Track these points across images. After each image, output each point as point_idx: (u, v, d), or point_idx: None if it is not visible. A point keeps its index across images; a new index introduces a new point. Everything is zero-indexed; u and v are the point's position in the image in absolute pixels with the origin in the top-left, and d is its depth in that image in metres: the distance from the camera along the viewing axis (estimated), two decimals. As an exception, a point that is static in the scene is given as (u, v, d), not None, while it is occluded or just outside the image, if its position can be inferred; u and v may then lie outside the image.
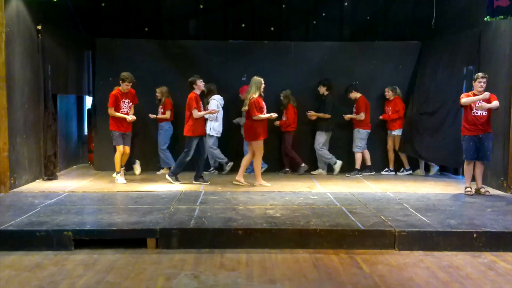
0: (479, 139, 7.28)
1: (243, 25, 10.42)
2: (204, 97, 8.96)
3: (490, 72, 7.74)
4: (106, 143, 9.28)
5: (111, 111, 8.29)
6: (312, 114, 9.43)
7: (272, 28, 10.46)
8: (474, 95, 7.33)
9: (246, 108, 8.02)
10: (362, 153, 9.49)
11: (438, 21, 9.34)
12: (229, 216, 5.91)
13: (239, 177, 8.18)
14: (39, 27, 8.37)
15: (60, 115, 9.58)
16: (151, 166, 9.55)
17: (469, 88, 8.08)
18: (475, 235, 5.31)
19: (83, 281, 4.37)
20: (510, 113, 7.56)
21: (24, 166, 8.02)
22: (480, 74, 7.39)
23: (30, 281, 4.37)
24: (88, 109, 10.85)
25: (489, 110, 7.26)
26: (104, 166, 9.48)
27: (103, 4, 10.16)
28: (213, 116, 8.93)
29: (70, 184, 8.24)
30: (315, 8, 10.46)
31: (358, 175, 9.34)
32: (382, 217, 5.89)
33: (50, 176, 8.58)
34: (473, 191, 7.50)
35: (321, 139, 9.45)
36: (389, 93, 9.57)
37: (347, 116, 9.43)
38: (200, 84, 8.23)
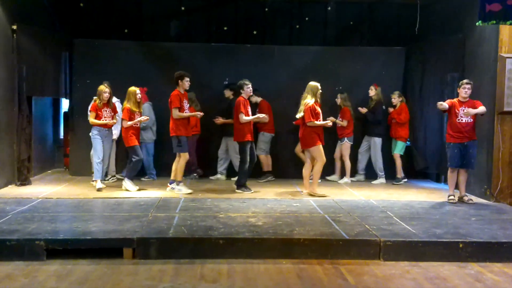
0: (464, 146, 7.22)
1: (225, 27, 10.26)
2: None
3: (475, 78, 7.71)
4: (82, 147, 9.01)
5: (179, 112, 7.72)
6: (220, 121, 9.03)
7: (255, 32, 10.32)
8: (459, 101, 7.28)
9: (302, 114, 7.68)
10: (262, 157, 9.18)
11: (422, 26, 9.30)
12: (210, 224, 5.72)
13: (308, 188, 7.81)
14: (14, 27, 8.12)
15: (35, 117, 9.28)
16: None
17: (453, 94, 8.04)
18: (461, 245, 5.21)
19: (55, 294, 4.15)
20: (494, 120, 7.54)
21: (-4, 170, 7.71)
22: (464, 80, 7.35)
23: (-2, 294, 4.13)
24: (65, 112, 10.56)
25: (474, 117, 7.21)
26: (80, 171, 9.20)
27: (81, 4, 9.87)
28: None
29: (44, 189, 7.95)
30: (299, 12, 10.35)
31: (270, 178, 9.19)
32: (366, 226, 5.77)
33: (24, 181, 8.28)
34: (456, 199, 7.45)
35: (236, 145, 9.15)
36: (339, 100, 9.38)
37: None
38: (248, 89, 7.95)
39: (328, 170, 9.21)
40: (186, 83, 7.87)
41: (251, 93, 8.18)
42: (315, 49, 9.89)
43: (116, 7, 10.01)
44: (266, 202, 7.15)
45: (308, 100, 7.66)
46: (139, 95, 8.04)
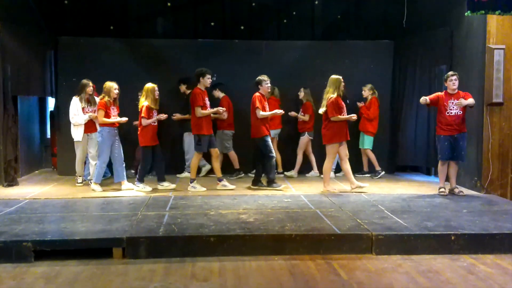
0: (454, 139, 7.21)
1: (212, 23, 10.17)
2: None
3: (463, 71, 7.72)
4: (70, 147, 8.85)
5: (202, 110, 7.61)
6: (177, 117, 8.94)
7: (242, 27, 10.24)
8: (447, 94, 7.28)
9: (324, 109, 7.49)
10: (229, 154, 9.06)
11: (409, 20, 9.28)
12: (200, 222, 5.65)
13: (354, 184, 7.66)
14: (-2, 25, 7.96)
15: (21, 117, 9.14)
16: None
17: (441, 87, 8.03)
18: (453, 238, 5.20)
19: (43, 296, 4.07)
20: (483, 113, 7.54)
21: (-18, 171, 7.58)
22: (450, 73, 7.36)
23: (-15, 298, 4.04)
24: (51, 111, 10.41)
25: (464, 110, 7.21)
26: (68, 171, 9.03)
27: (66, 1, 9.72)
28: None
29: (31, 190, 7.83)
30: (286, 7, 10.29)
31: (241, 175, 9.10)
32: (358, 220, 5.74)
33: (11, 182, 8.14)
34: (447, 191, 7.45)
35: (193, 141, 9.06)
36: (302, 94, 9.24)
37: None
38: (266, 86, 7.82)
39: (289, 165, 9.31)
40: (207, 80, 7.75)
41: (269, 90, 8.06)
42: (303, 44, 9.84)
43: (101, 4, 9.83)
44: (257, 199, 7.09)
45: (331, 94, 7.48)
46: (157, 92, 7.87)
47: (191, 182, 7.81)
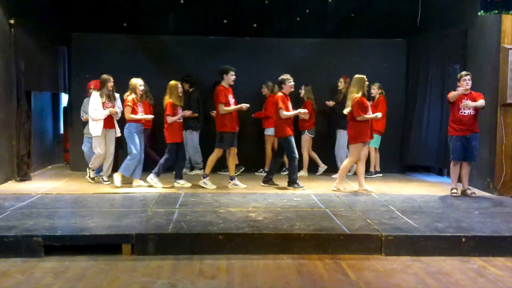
0: (466, 139, 7.14)
1: (224, 21, 10.15)
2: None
3: (476, 71, 7.62)
4: (82, 142, 8.93)
5: (225, 107, 7.57)
6: (187, 115, 8.66)
7: (254, 24, 10.21)
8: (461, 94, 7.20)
9: (349, 109, 7.43)
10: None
11: (423, 17, 9.20)
12: (209, 219, 5.66)
13: (362, 185, 7.62)
14: (12, 21, 8.03)
15: (35, 112, 9.23)
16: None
17: (455, 86, 7.94)
18: (463, 239, 5.14)
19: (51, 291, 4.09)
20: (496, 113, 7.45)
21: (-5, 166, 7.65)
22: (463, 72, 7.27)
23: (-6, 292, 4.08)
24: (64, 107, 10.49)
25: (476, 110, 7.13)
26: (80, 166, 9.10)
27: (78, -2, 9.80)
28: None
29: (43, 185, 7.90)
30: (299, 4, 10.23)
31: (242, 169, 9.07)
32: (367, 220, 5.70)
33: (23, 176, 8.23)
34: (459, 192, 7.37)
35: (195, 138, 9.03)
36: (302, 92, 9.16)
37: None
38: (289, 84, 7.77)
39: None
40: (231, 77, 7.73)
41: (292, 89, 7.99)
42: (315, 42, 9.79)
43: (113, 1, 9.90)
44: (266, 197, 7.08)
45: (355, 94, 7.43)
46: (180, 89, 7.89)
47: (203, 178, 7.82)
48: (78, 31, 9.47)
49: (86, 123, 8.32)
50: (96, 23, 9.73)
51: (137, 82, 7.72)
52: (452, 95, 7.21)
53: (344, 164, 7.66)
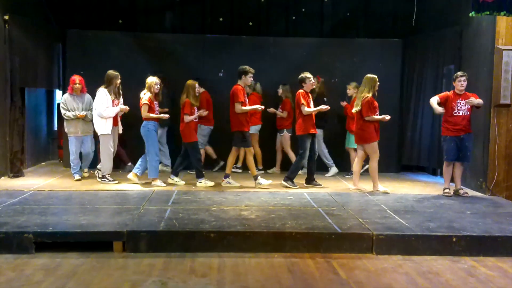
0: (460, 139, 7.16)
1: (221, 19, 10.15)
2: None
3: (471, 71, 7.64)
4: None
5: (242, 107, 7.53)
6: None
7: (251, 23, 10.21)
8: (455, 94, 7.22)
9: (359, 108, 7.44)
10: (205, 149, 8.96)
11: (419, 18, 9.18)
12: (201, 217, 5.66)
13: (357, 184, 7.69)
14: (6, 17, 8.00)
15: (29, 109, 9.18)
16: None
17: (450, 86, 7.97)
18: (454, 239, 5.16)
19: (41, 287, 4.09)
20: (490, 113, 7.47)
21: (-12, 162, 7.64)
22: (459, 73, 7.28)
23: (-16, 289, 4.07)
24: (59, 104, 10.43)
25: (471, 110, 7.16)
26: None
27: (74, -6, 9.77)
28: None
29: (36, 182, 7.88)
30: (295, 3, 10.25)
31: (221, 164, 9.04)
32: (359, 219, 5.71)
33: (16, 173, 8.21)
34: (452, 192, 7.39)
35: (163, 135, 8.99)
36: (280, 91, 9.09)
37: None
38: (310, 83, 7.73)
39: (269, 163, 9.30)
40: (249, 79, 7.73)
41: (313, 86, 7.94)
42: (311, 41, 9.79)
43: (109, -3, 9.90)
44: (260, 195, 7.08)
45: (366, 94, 7.41)
46: (197, 89, 7.88)
47: (225, 178, 7.84)
48: (74, 28, 9.43)
49: (66, 120, 8.19)
50: (92, 20, 9.71)
51: (153, 81, 7.69)
52: (432, 101, 7.28)
53: (371, 167, 7.58)
